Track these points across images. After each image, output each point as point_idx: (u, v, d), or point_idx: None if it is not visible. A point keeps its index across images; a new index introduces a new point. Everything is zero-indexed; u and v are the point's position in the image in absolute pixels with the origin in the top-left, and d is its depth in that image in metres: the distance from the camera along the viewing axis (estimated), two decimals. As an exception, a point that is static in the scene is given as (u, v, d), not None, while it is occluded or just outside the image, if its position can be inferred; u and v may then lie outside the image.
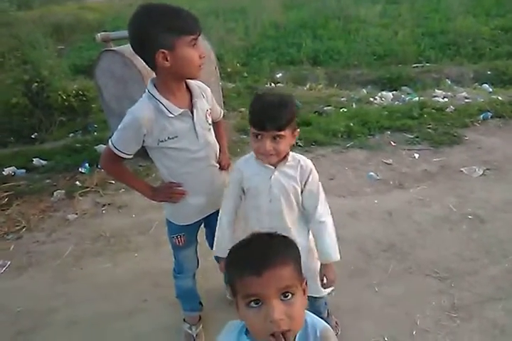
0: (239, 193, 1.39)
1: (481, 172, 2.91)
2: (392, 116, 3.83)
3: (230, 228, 1.42)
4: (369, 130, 3.61)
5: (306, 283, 0.83)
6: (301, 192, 1.34)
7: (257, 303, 0.76)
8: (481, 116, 3.75)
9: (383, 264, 2.11)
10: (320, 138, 3.46)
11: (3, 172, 3.19)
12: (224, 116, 1.65)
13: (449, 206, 2.56)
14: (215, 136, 1.46)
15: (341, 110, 4.07)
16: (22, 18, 8.64)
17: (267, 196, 1.33)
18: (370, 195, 2.71)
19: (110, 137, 1.32)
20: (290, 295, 0.77)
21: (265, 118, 1.21)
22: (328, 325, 0.92)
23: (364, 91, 4.81)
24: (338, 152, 3.31)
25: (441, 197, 2.64)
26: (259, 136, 1.24)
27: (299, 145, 3.39)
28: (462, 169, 2.96)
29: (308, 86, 4.92)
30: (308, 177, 1.33)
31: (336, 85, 5.01)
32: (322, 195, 1.36)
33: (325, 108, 4.14)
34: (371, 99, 4.44)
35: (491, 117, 3.75)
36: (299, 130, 1.31)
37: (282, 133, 1.22)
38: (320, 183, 1.36)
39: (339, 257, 1.38)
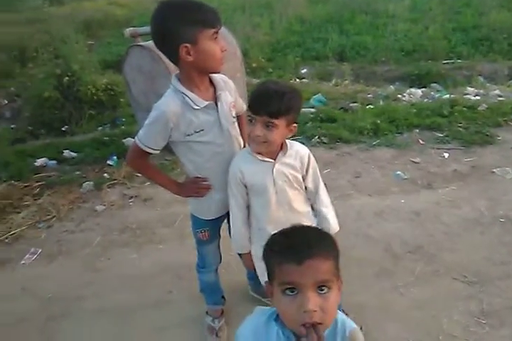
0: (244, 190, 1.38)
1: (514, 173, 2.80)
2: (421, 114, 3.72)
3: (245, 225, 1.44)
4: (396, 128, 3.53)
5: (342, 282, 0.83)
6: (303, 178, 1.39)
7: (292, 292, 0.77)
8: (516, 115, 3.60)
9: (410, 266, 2.06)
10: (345, 135, 3.40)
11: (36, 163, 3.30)
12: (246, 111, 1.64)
13: (480, 208, 2.47)
14: (241, 129, 1.46)
15: (368, 107, 3.99)
16: (54, 14, 8.90)
17: (273, 189, 1.34)
18: (397, 195, 2.65)
19: (137, 132, 1.34)
20: (326, 289, 0.77)
21: (259, 102, 1.23)
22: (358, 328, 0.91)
23: (392, 87, 4.70)
24: (364, 150, 3.25)
25: (471, 199, 2.56)
26: (253, 121, 1.24)
27: (324, 142, 3.35)
28: (494, 170, 2.85)
29: (333, 82, 4.85)
30: (309, 163, 1.38)
31: (362, 81, 4.91)
32: (319, 177, 1.43)
33: (351, 104, 4.06)
34: (399, 96, 4.32)
35: (526, 116, 3.59)
36: (296, 125, 1.29)
37: (275, 121, 1.21)
38: (317, 166, 1.41)
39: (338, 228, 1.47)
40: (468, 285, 1.94)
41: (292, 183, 1.37)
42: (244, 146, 1.48)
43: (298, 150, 1.36)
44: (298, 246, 0.78)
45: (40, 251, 2.38)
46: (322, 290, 0.77)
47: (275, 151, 1.33)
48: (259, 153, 1.32)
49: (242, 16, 7.05)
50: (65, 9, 9.57)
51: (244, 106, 1.57)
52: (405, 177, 2.85)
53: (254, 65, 4.98)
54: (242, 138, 1.48)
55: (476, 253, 2.13)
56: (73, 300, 2.00)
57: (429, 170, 2.92)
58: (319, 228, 0.90)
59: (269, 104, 1.20)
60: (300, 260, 0.75)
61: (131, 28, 3.17)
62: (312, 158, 1.40)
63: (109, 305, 1.95)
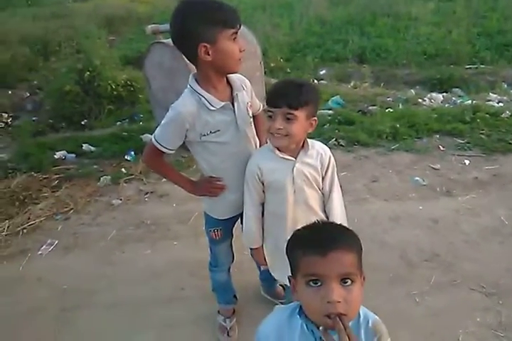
0: (261, 187, 1.38)
1: (537, 183, 2.72)
2: (441, 119, 3.65)
3: (257, 221, 1.44)
4: (416, 132, 3.47)
5: (364, 278, 0.84)
6: (322, 178, 1.38)
7: (316, 283, 0.78)
8: (540, 123, 3.50)
9: (426, 274, 2.02)
10: (363, 139, 3.36)
11: (55, 156, 3.36)
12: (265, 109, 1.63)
13: (500, 217, 2.41)
14: (256, 129, 1.45)
15: (387, 110, 3.93)
16: (77, 9, 9.06)
17: (291, 188, 1.34)
18: (415, 201, 2.60)
19: (155, 129, 1.34)
20: (349, 282, 0.78)
21: (278, 94, 1.24)
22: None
23: (412, 91, 4.62)
24: (382, 154, 3.20)
25: (492, 208, 2.50)
26: (272, 115, 1.25)
27: (341, 145, 3.32)
28: (516, 179, 2.78)
29: (352, 84, 4.80)
30: (329, 164, 1.37)
31: (382, 84, 4.85)
32: (337, 178, 1.42)
33: (370, 107, 4.01)
34: (419, 101, 4.25)
35: (551, 125, 3.49)
36: (316, 119, 1.29)
37: (294, 112, 1.21)
38: (335, 169, 1.40)
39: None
40: (486, 296, 1.89)
41: (311, 183, 1.36)
42: (261, 146, 1.47)
43: (319, 151, 1.36)
44: (322, 239, 0.80)
45: (56, 242, 2.42)
46: (346, 282, 0.78)
47: (296, 149, 1.32)
48: (279, 150, 1.31)
49: (263, 16, 7.05)
50: (88, 5, 9.72)
51: (261, 106, 1.56)
52: (424, 183, 2.80)
53: (272, 64, 4.97)
54: (259, 138, 1.48)
55: (495, 263, 2.07)
56: (87, 293, 2.02)
57: (449, 176, 2.86)
58: (341, 224, 0.92)
59: (288, 95, 1.22)
60: (324, 252, 0.77)
61: (153, 25, 3.20)
62: (332, 160, 1.39)
63: (122, 300, 1.97)
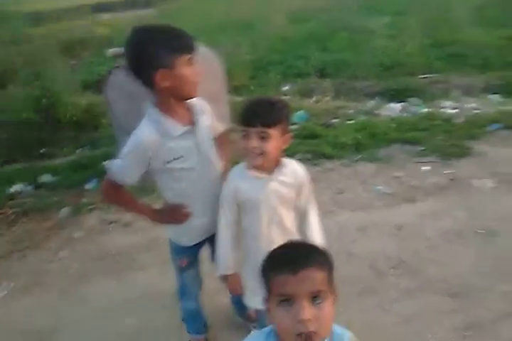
0: (236, 207, 1.37)
1: (491, 184, 2.85)
2: (400, 128, 3.79)
3: (233, 245, 1.41)
4: (378, 142, 3.58)
5: (337, 296, 0.85)
6: (296, 197, 1.38)
7: (287, 303, 0.78)
8: (490, 127, 3.70)
9: (394, 282, 2.06)
10: (328, 152, 3.43)
11: (11, 189, 3.20)
12: (231, 129, 1.64)
13: (460, 220, 2.50)
14: (218, 152, 1.45)
15: (349, 122, 4.05)
16: (36, 34, 8.90)
17: (266, 207, 1.33)
18: (380, 210, 2.66)
19: (116, 155, 1.31)
20: (320, 300, 0.79)
21: (252, 113, 1.25)
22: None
23: (372, 103, 4.79)
24: (346, 165, 3.27)
25: (451, 211, 2.58)
26: (247, 134, 1.25)
27: (307, 159, 3.37)
28: (472, 181, 2.90)
29: (315, 98, 4.92)
30: (304, 182, 1.37)
31: (343, 97, 5.00)
32: (313, 197, 1.42)
33: (332, 120, 4.12)
34: (379, 111, 4.41)
35: (501, 128, 3.69)
36: (290, 135, 1.30)
37: (269, 131, 1.22)
38: (310, 185, 1.40)
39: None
40: (453, 298, 1.94)
41: (286, 202, 1.35)
42: (225, 170, 1.46)
43: (295, 169, 1.36)
44: (293, 258, 0.81)
45: (13, 284, 2.28)
46: (316, 300, 0.78)
47: (271, 167, 1.32)
48: (255, 168, 1.31)
49: (225, 36, 7.17)
50: (47, 29, 9.59)
51: (222, 127, 1.57)
52: (387, 191, 2.87)
53: (236, 83, 5.03)
54: (223, 160, 1.47)
55: (458, 265, 2.13)
56: (48, 333, 1.91)
57: (411, 183, 2.95)
58: (313, 243, 0.94)
59: (261, 114, 1.23)
60: (295, 270, 0.78)
61: (115, 49, 3.19)
62: (308, 178, 1.39)
63: (86, 337, 1.87)
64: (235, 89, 4.69)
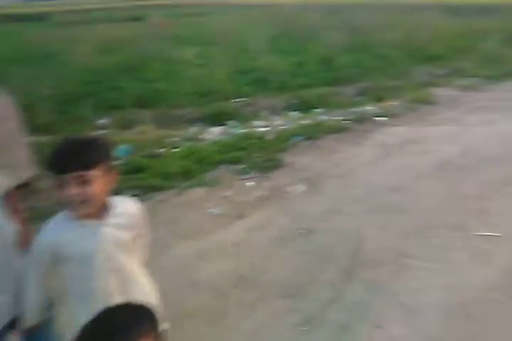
0: (48, 262, 1.18)
1: (302, 189, 3.34)
2: (223, 150, 4.08)
3: (42, 302, 1.22)
4: (205, 167, 3.75)
5: None
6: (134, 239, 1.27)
7: None
8: (294, 139, 4.37)
9: (238, 299, 2.15)
10: (157, 183, 3.39)
11: None
12: (35, 177, 1.43)
13: (284, 225, 2.83)
14: (8, 213, 1.24)
15: (175, 150, 4.12)
16: None
17: (101, 256, 1.17)
18: (215, 232, 2.77)
19: None
20: None
21: (65, 157, 1.09)
22: None
23: (194, 129, 5.01)
24: (177, 194, 3.30)
25: (276, 219, 2.90)
26: (63, 182, 1.08)
27: (136, 194, 3.24)
28: (287, 189, 3.33)
29: (136, 130, 4.82)
30: (139, 221, 1.28)
31: (165, 126, 5.06)
32: (148, 238, 1.35)
33: (158, 150, 4.11)
34: (202, 136, 4.64)
35: (302, 140, 4.40)
36: (116, 172, 1.18)
37: (90, 173, 1.08)
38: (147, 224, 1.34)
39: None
40: (288, 298, 2.14)
41: (123, 245, 1.21)
42: (23, 235, 1.26)
43: (128, 208, 1.24)
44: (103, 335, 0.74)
45: None
46: None
47: (99, 211, 1.16)
48: (79, 217, 1.13)
49: (20, 69, 6.35)
50: None
51: (8, 183, 1.34)
52: (219, 212, 3.01)
53: (40, 121, 4.48)
54: (16, 221, 1.26)
55: (286, 267, 2.39)
56: None
57: (238, 200, 3.18)
58: (137, 306, 0.83)
59: (77, 156, 1.08)
60: None
61: None
62: (143, 216, 1.29)
63: None
64: (38, 128, 4.15)
